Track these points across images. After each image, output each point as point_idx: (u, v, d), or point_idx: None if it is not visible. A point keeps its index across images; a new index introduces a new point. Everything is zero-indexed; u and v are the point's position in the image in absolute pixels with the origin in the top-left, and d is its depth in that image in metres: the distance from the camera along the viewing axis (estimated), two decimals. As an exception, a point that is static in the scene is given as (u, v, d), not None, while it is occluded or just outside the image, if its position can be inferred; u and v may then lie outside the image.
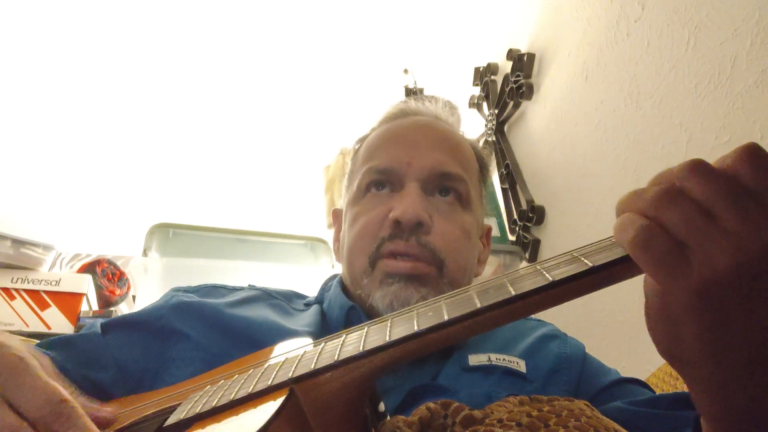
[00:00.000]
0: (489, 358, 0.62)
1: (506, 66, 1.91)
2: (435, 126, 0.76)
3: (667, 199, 0.34)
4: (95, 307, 1.85)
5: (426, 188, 0.70)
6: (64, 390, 0.38)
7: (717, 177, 0.33)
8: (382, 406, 0.45)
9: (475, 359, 0.62)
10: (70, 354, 0.62)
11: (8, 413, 0.36)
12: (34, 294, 1.65)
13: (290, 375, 0.41)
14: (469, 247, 0.72)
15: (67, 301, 1.66)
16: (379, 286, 0.65)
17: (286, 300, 0.76)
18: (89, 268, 2.13)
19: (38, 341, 0.69)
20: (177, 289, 0.74)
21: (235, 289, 0.76)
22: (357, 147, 0.82)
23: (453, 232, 0.69)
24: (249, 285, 0.78)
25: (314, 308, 0.73)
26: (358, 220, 0.71)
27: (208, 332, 0.64)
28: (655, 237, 0.33)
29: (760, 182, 0.32)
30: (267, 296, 0.75)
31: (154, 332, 0.66)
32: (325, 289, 0.78)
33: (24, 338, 0.97)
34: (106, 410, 0.48)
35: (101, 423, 0.47)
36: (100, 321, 0.68)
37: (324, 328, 0.68)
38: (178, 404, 0.47)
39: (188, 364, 0.61)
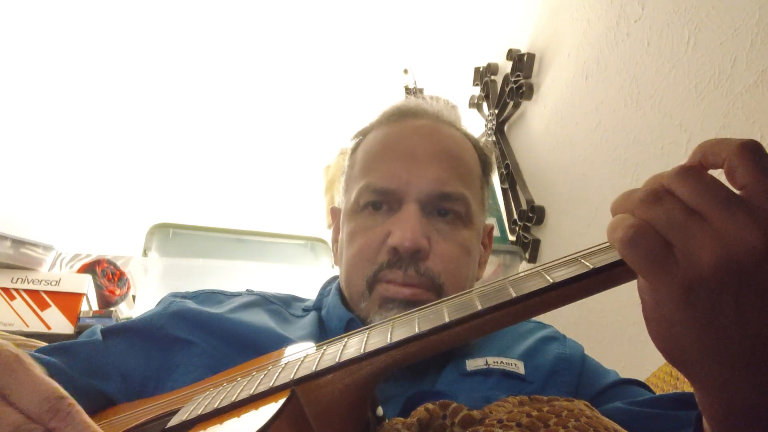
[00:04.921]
0: (486, 361, 0.62)
1: (506, 66, 1.91)
2: (435, 134, 0.73)
3: (653, 198, 0.34)
4: (95, 307, 1.84)
5: (425, 208, 0.68)
6: (61, 387, 0.38)
7: (704, 177, 0.33)
8: (380, 410, 0.45)
9: (472, 364, 0.62)
10: (73, 361, 0.62)
11: (11, 411, 0.36)
12: (34, 294, 1.64)
13: (292, 377, 0.41)
14: (470, 262, 0.71)
15: (67, 301, 1.66)
16: (377, 310, 0.65)
17: (284, 305, 0.75)
18: (89, 268, 2.13)
19: (38, 342, 0.69)
20: (175, 295, 0.73)
21: (233, 295, 0.75)
22: (356, 142, 0.80)
23: (452, 252, 0.67)
24: (247, 290, 0.78)
25: (312, 316, 0.72)
26: (356, 238, 0.70)
27: (210, 339, 0.64)
28: (642, 235, 0.33)
29: (748, 182, 0.32)
30: (265, 302, 0.75)
31: (156, 340, 0.66)
32: (323, 294, 0.77)
33: (24, 338, 0.97)
34: None
35: None
36: (99, 327, 0.68)
37: (322, 338, 0.67)
38: (181, 407, 0.47)
39: (192, 370, 0.61)
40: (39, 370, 0.38)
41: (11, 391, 0.36)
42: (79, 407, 0.37)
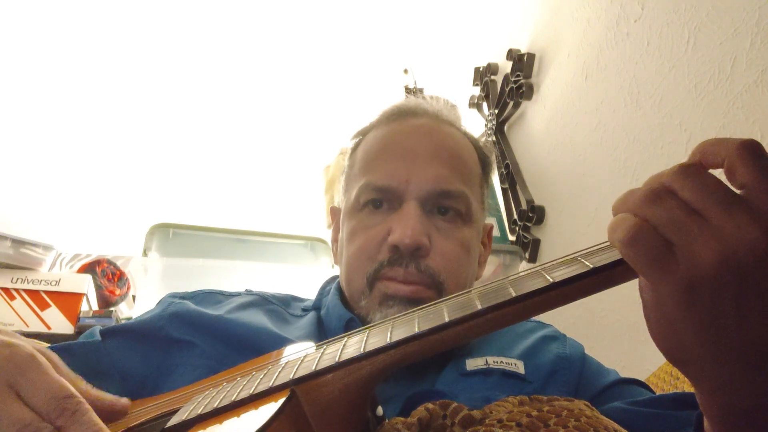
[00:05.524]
0: (486, 361, 0.62)
1: (506, 66, 1.91)
2: (435, 133, 0.74)
3: (653, 197, 0.34)
4: (95, 307, 1.84)
5: (425, 206, 0.68)
6: (71, 386, 0.39)
7: (704, 177, 0.34)
8: (380, 410, 0.45)
9: (472, 363, 0.62)
10: (73, 362, 0.62)
11: (23, 409, 0.37)
12: (34, 294, 1.64)
13: (292, 376, 0.41)
14: (470, 261, 0.71)
15: (67, 301, 1.66)
16: (378, 307, 0.65)
17: (283, 305, 0.75)
18: (89, 268, 2.13)
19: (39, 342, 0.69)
20: (174, 296, 0.73)
21: (232, 295, 0.75)
22: (356, 142, 0.80)
23: (453, 250, 0.67)
24: (246, 290, 0.77)
25: (311, 316, 0.72)
26: (356, 237, 0.70)
27: (209, 340, 0.64)
28: (642, 234, 0.33)
29: (747, 182, 0.33)
30: (264, 302, 0.74)
31: (155, 341, 0.66)
32: (322, 294, 0.77)
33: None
34: (122, 402, 0.49)
35: (117, 413, 0.48)
36: (98, 328, 0.68)
37: (321, 338, 0.66)
38: (181, 407, 0.47)
39: (191, 371, 0.61)
40: (52, 370, 0.40)
41: (23, 389, 0.38)
42: (87, 406, 0.38)
